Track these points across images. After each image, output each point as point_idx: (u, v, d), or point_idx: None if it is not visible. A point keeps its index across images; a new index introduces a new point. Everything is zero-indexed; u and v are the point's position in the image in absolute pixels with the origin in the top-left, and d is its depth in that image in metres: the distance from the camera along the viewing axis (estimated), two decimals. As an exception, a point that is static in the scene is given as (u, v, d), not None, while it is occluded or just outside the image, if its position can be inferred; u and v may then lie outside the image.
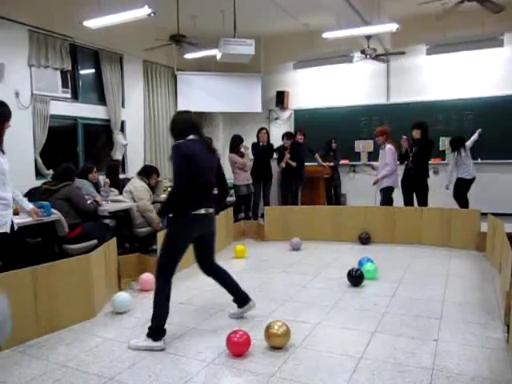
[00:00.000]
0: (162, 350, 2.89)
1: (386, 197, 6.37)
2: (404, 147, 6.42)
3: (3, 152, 3.11)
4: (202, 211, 3.02)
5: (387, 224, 6.03)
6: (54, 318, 3.20)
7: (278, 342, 2.84)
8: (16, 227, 3.25)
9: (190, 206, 2.99)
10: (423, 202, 6.33)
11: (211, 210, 3.11)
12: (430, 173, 6.64)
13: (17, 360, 2.79)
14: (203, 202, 3.04)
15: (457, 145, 6.85)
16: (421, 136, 6.29)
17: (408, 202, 6.47)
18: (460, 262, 5.05)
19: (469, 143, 7.00)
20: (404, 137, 6.44)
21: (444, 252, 5.48)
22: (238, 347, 2.75)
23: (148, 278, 4.19)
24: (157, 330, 2.94)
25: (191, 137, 3.01)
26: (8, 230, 3.09)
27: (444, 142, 8.10)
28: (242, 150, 7.03)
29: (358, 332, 3.12)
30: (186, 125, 3.06)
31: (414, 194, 6.45)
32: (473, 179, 6.82)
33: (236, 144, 7.05)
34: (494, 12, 5.71)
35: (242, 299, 3.43)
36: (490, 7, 5.60)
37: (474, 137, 7.22)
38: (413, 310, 3.53)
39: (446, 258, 5.19)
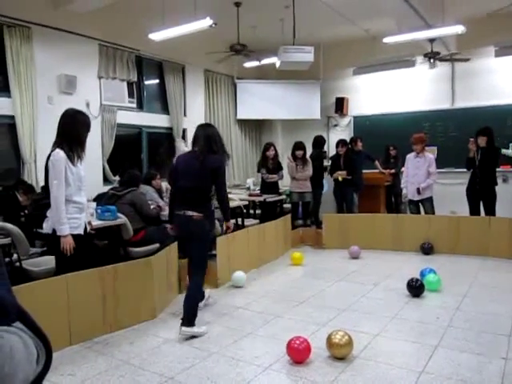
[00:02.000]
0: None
1: (432, 206, 6.21)
2: (472, 151, 6.10)
3: (82, 159, 3.29)
4: (177, 212, 3.47)
5: (451, 234, 5.77)
6: (118, 317, 3.35)
7: (340, 353, 2.80)
8: (88, 229, 3.45)
9: (175, 207, 3.53)
10: (491, 211, 6.00)
11: (188, 213, 3.38)
12: (499, 180, 6.29)
13: (85, 355, 2.95)
14: (180, 204, 3.46)
15: None
16: (487, 143, 5.96)
17: (474, 210, 6.16)
18: (532, 275, 4.74)
19: None
20: (471, 139, 6.11)
21: (514, 265, 5.17)
22: (299, 353, 2.74)
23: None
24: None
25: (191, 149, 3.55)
26: (82, 232, 3.29)
27: (515, 148, 7.66)
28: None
29: (420, 345, 3.01)
30: (193, 139, 3.57)
31: (481, 203, 6.13)
32: None
33: (292, 151, 7.09)
34: None
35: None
36: None
37: None
38: (479, 325, 3.36)
39: (517, 272, 4.89)
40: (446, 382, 2.50)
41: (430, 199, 6.25)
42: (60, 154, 3.09)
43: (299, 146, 7.02)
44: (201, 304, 3.65)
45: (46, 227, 3.20)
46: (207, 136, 3.47)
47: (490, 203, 6.02)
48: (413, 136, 6.35)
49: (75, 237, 3.18)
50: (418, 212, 6.39)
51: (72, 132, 3.17)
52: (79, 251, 3.22)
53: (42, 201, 4.71)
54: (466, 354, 2.85)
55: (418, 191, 6.17)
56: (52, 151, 3.15)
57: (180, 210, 3.43)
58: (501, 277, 4.72)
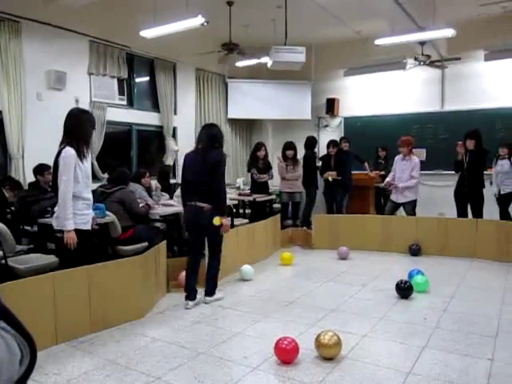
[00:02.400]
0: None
1: (414, 210, 6.23)
2: (460, 153, 6.15)
3: (87, 157, 3.38)
4: (188, 202, 3.90)
5: (439, 235, 5.82)
6: (105, 315, 3.32)
7: (328, 353, 2.79)
8: (93, 225, 3.53)
9: (187, 199, 3.93)
10: (478, 213, 6.06)
11: (198, 204, 3.82)
12: (487, 183, 6.35)
13: (71, 354, 2.91)
14: (191, 196, 3.87)
15: None
16: (475, 146, 6.00)
17: (462, 213, 6.22)
18: (518, 277, 4.79)
19: None
20: (459, 142, 6.16)
21: (501, 267, 5.21)
22: (287, 354, 2.73)
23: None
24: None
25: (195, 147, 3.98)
26: (90, 228, 3.38)
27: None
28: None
29: (407, 346, 3.02)
30: (198, 137, 4.02)
31: (469, 205, 6.18)
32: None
33: (282, 151, 7.10)
34: None
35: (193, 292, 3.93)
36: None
37: None
38: (466, 326, 3.39)
39: (503, 274, 4.93)
40: (433, 382, 2.51)
41: (412, 203, 6.23)
42: (71, 151, 3.22)
43: (290, 146, 7.03)
44: (191, 303, 3.85)
45: (57, 224, 3.31)
46: (210, 135, 3.86)
47: (478, 206, 6.08)
48: (400, 139, 6.37)
49: (84, 232, 3.27)
50: (393, 212, 6.42)
51: (78, 131, 3.31)
52: (88, 246, 3.34)
53: (28, 197, 4.67)
54: (453, 354, 2.87)
55: (395, 187, 6.20)
56: (61, 149, 3.26)
57: (191, 201, 3.86)
58: (488, 278, 4.77)
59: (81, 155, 3.27)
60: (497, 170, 6.42)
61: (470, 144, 6.01)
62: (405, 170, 6.23)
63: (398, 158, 6.42)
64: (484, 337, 3.16)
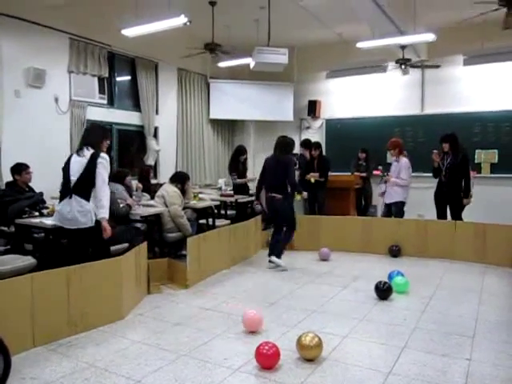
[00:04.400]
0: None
1: (400, 212, 6.31)
2: (436, 161, 6.21)
3: None
4: (266, 194, 5.33)
5: (419, 237, 5.89)
6: (84, 318, 3.26)
7: (309, 354, 2.80)
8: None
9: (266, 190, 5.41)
10: (457, 215, 6.15)
11: (274, 195, 5.22)
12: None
13: (48, 357, 2.85)
14: (268, 189, 5.33)
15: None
16: (450, 149, 6.07)
17: (441, 215, 6.31)
18: (495, 279, 4.89)
19: None
20: (435, 151, 6.23)
21: (478, 268, 5.32)
22: (267, 359, 2.70)
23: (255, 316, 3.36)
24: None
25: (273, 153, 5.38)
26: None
27: (480, 155, 7.90)
28: None
29: (387, 346, 3.05)
30: (274, 147, 5.40)
31: (448, 208, 6.27)
32: None
33: None
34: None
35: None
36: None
37: None
38: (444, 326, 3.44)
39: (481, 275, 5.03)
40: (413, 382, 2.54)
41: (398, 204, 6.30)
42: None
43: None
44: (282, 263, 5.24)
45: (86, 221, 3.64)
46: (282, 144, 5.28)
47: (456, 208, 6.16)
48: (390, 141, 6.45)
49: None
50: (387, 215, 6.48)
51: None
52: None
53: (5, 197, 4.56)
54: (431, 355, 2.91)
55: (388, 180, 6.31)
56: (97, 154, 3.64)
57: (269, 193, 5.27)
58: (466, 280, 4.85)
59: None
60: None
61: (445, 147, 6.08)
62: (394, 171, 6.36)
63: (392, 159, 6.56)
64: (462, 337, 3.22)
